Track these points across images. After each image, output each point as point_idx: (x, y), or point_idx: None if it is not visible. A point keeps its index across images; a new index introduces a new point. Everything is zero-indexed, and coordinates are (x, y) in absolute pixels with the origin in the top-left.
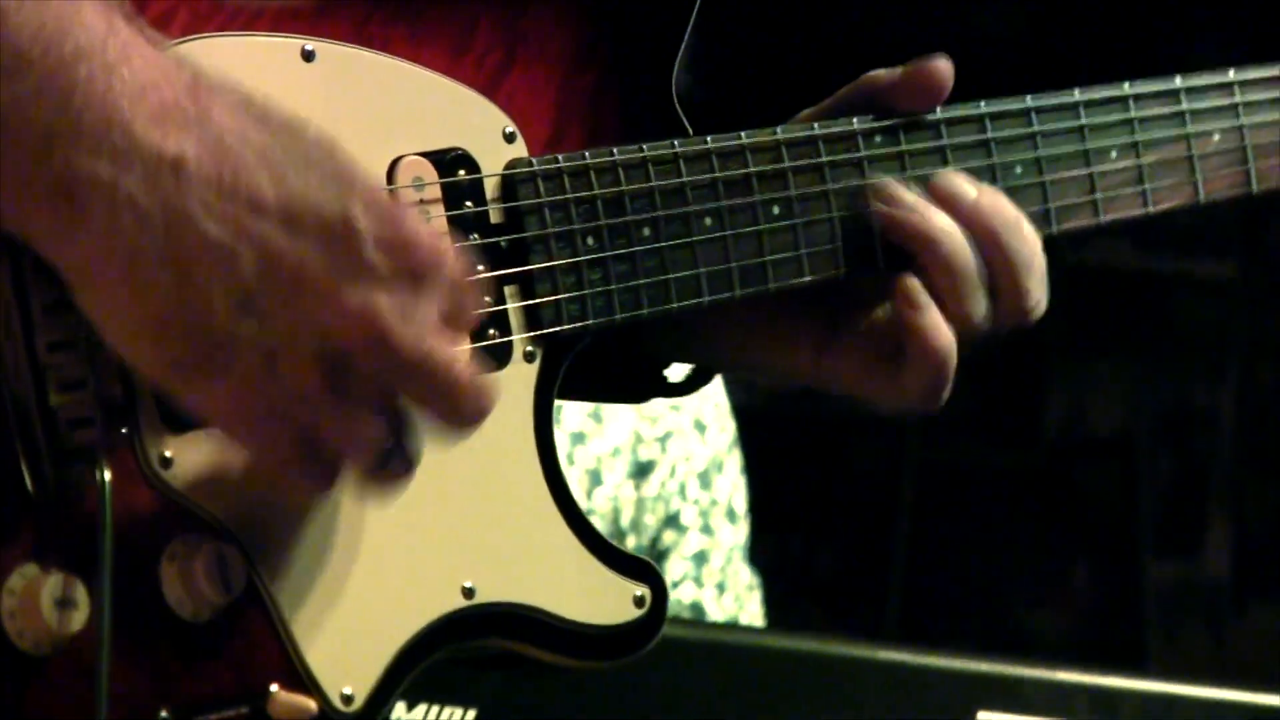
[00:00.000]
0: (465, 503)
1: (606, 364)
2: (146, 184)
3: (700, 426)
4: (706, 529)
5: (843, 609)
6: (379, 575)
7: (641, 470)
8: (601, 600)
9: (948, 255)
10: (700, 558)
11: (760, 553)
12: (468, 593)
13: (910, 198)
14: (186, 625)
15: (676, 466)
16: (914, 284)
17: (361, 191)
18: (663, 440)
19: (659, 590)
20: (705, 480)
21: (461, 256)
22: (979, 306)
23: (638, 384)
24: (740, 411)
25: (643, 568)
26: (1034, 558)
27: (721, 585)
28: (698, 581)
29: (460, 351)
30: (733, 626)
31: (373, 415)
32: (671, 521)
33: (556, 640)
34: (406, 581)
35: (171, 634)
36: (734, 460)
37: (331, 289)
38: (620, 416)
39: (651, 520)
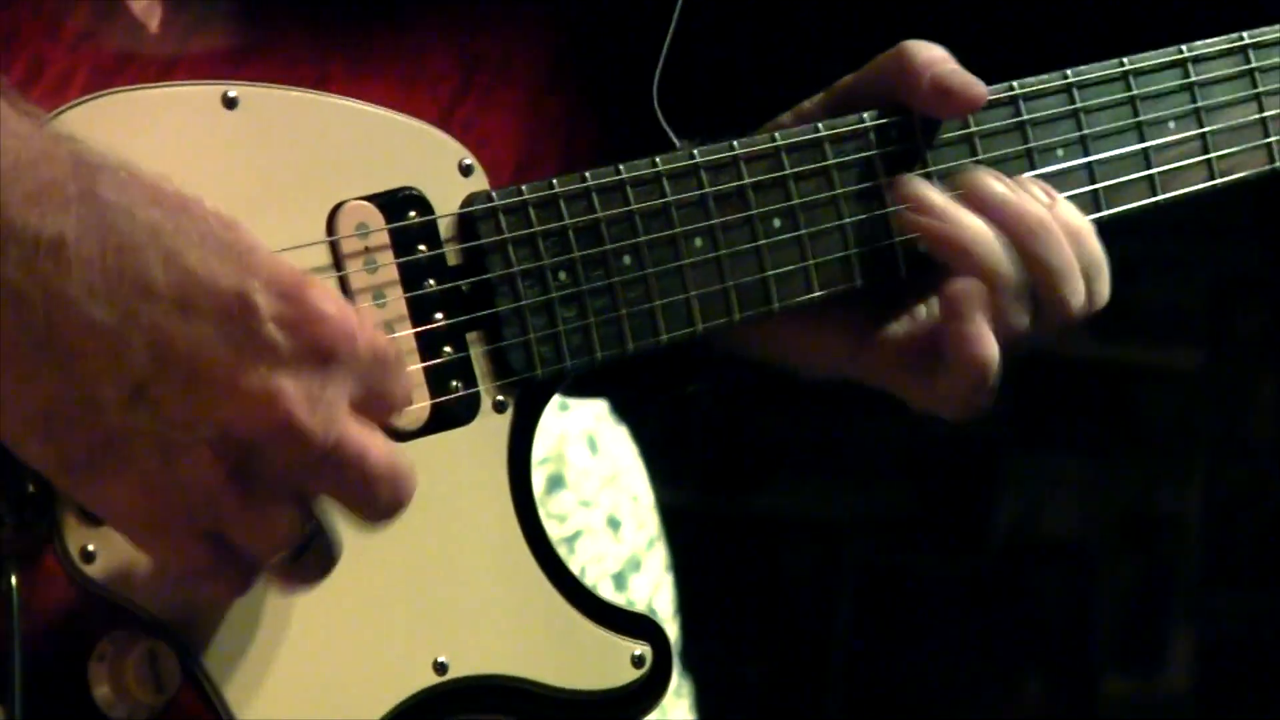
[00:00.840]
0: (433, 570)
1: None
2: (22, 268)
3: (614, 523)
4: (633, 563)
5: None
6: (338, 658)
7: None
8: (595, 662)
9: (982, 265)
10: None
11: (686, 660)
12: (440, 668)
13: (939, 201)
14: None
15: (586, 569)
16: (958, 290)
17: (263, 268)
18: (570, 540)
19: (661, 647)
20: (620, 581)
21: (379, 331)
22: (1020, 317)
23: (654, 377)
24: (667, 509)
25: (642, 624)
26: (981, 671)
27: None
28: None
29: (375, 437)
30: None
31: (283, 507)
32: None
33: (548, 711)
34: (370, 662)
35: None
36: (655, 558)
37: (230, 375)
38: None
39: None
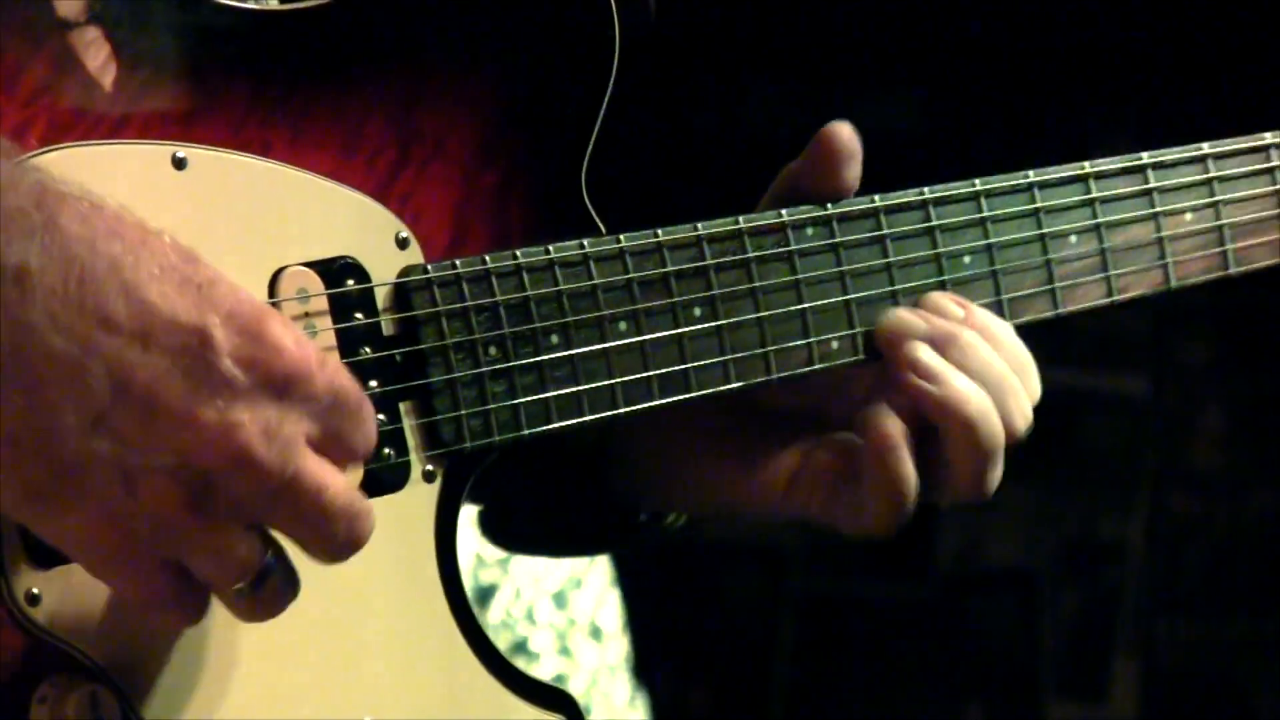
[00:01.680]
0: (364, 633)
1: (565, 507)
2: None
3: None
4: (565, 651)
5: None
6: (271, 714)
7: (482, 596)
8: None
9: (976, 429)
10: (558, 681)
11: (640, 673)
12: None
13: (937, 367)
14: None
15: (522, 590)
16: (887, 425)
17: (223, 302)
18: (504, 563)
19: (575, 718)
20: (560, 600)
21: (339, 367)
22: (997, 472)
23: (601, 526)
24: None
25: (556, 697)
26: (924, 700)
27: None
28: None
29: (333, 474)
30: None
31: (242, 535)
32: (520, 649)
33: None
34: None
35: None
36: (598, 574)
37: (187, 407)
38: (462, 539)
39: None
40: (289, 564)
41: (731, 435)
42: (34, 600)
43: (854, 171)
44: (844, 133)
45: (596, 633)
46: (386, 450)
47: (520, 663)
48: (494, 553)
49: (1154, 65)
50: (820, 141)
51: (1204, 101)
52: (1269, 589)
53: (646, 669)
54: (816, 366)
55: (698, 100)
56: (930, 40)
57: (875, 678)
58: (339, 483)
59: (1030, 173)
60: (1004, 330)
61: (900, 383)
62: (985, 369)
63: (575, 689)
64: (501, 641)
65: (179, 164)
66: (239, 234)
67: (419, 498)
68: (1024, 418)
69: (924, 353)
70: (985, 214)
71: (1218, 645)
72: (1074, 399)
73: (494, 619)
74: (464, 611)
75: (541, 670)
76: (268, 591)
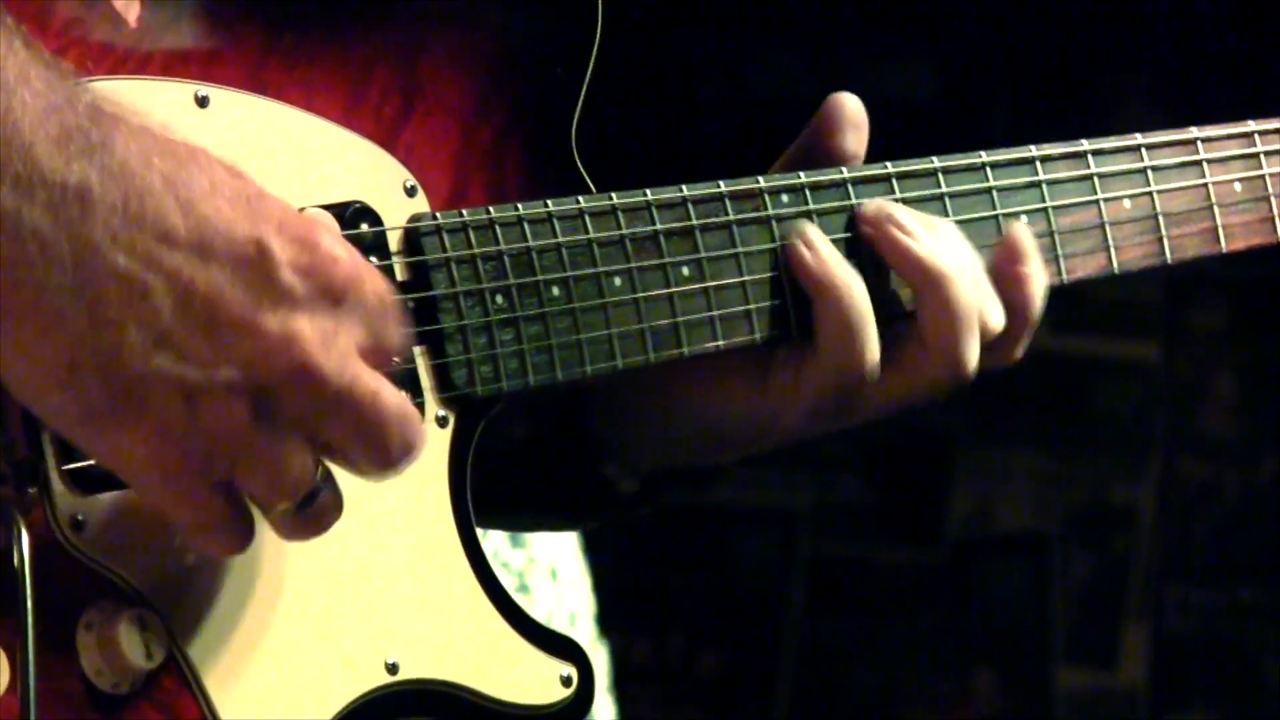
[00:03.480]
0: (386, 574)
1: (545, 473)
2: (50, 213)
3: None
4: (523, 588)
5: (726, 714)
6: (302, 649)
7: None
8: (528, 679)
9: (948, 292)
10: None
11: (639, 651)
12: (391, 668)
13: (913, 224)
14: (107, 697)
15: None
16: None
17: (274, 214)
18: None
19: (585, 670)
20: (516, 539)
21: (382, 276)
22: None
23: (580, 498)
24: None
25: (567, 646)
26: (934, 663)
27: None
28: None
29: (384, 381)
30: None
31: (298, 452)
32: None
33: None
34: (329, 656)
35: (92, 706)
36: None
37: (249, 317)
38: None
39: None
40: (335, 483)
41: (742, 376)
42: (79, 526)
43: (857, 140)
44: (849, 103)
45: (554, 575)
46: (402, 392)
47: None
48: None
49: (1168, 33)
50: (825, 110)
51: (1217, 70)
52: (1279, 555)
53: (611, 622)
54: (795, 333)
55: (707, 69)
56: (940, 5)
57: (885, 641)
58: (390, 389)
59: (982, 153)
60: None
61: (877, 237)
62: (963, 252)
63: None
64: None
65: (202, 102)
66: (258, 174)
67: (434, 442)
68: (996, 315)
69: (902, 212)
70: (944, 190)
71: (1227, 611)
72: (1086, 365)
73: None
74: (478, 557)
75: None
76: (316, 510)
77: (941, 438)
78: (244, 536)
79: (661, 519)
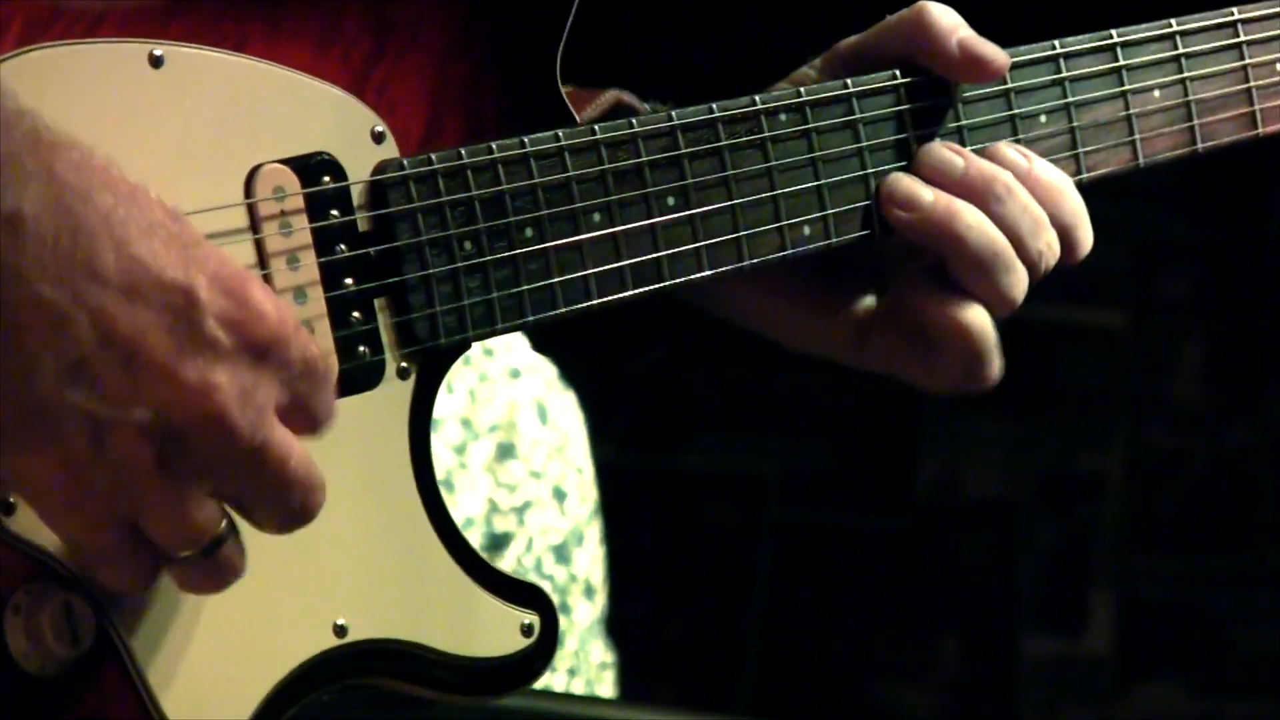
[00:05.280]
0: (335, 533)
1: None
2: None
3: (560, 495)
4: (564, 607)
5: (694, 680)
6: (242, 617)
7: (496, 544)
8: (486, 630)
9: (976, 249)
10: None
11: (611, 628)
12: (339, 630)
13: (929, 196)
14: (34, 680)
15: (534, 540)
16: (915, 275)
17: (208, 263)
18: (520, 511)
19: (549, 616)
20: (563, 554)
21: (310, 336)
22: (1018, 285)
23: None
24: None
25: (530, 592)
26: (901, 630)
27: (573, 670)
28: (550, 667)
29: (296, 444)
30: (577, 698)
31: (202, 500)
32: None
33: (440, 676)
34: (272, 622)
35: (17, 689)
36: (594, 531)
37: (169, 363)
38: (476, 484)
39: None
40: (239, 537)
41: (808, 286)
42: (9, 509)
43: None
44: (1003, 63)
45: (589, 590)
46: (361, 348)
47: None
48: (508, 500)
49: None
50: (978, 58)
51: None
52: (1246, 523)
53: (619, 628)
54: (789, 252)
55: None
56: None
57: (852, 608)
58: (301, 453)
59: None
60: (1062, 180)
61: (893, 221)
62: (1023, 209)
63: (568, 647)
64: None
65: (156, 62)
66: (216, 132)
67: (393, 394)
68: (1050, 248)
69: (901, 182)
70: (958, 94)
71: (1195, 579)
72: (1053, 332)
73: (505, 568)
74: (437, 508)
75: None
76: (218, 561)
77: (909, 405)
78: (145, 576)
79: (629, 486)
